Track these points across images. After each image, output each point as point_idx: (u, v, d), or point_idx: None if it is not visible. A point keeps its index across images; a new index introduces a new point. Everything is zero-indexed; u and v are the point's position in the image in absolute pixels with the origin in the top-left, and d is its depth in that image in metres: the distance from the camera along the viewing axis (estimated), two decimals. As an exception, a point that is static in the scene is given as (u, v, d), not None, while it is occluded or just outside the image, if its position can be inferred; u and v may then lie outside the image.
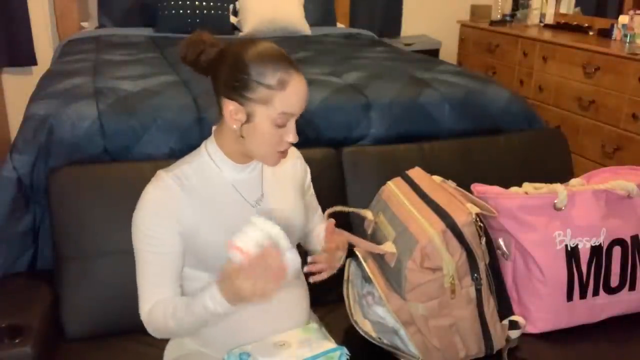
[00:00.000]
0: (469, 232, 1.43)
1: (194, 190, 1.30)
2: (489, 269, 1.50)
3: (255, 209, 1.34)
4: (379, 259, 1.52)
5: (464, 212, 1.45)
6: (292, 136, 1.27)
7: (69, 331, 1.57)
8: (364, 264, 1.50)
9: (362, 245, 1.51)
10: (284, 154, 1.30)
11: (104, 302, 1.58)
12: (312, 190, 1.55)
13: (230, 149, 1.31)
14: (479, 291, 1.45)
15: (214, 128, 1.35)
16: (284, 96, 1.21)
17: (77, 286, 1.57)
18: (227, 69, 1.24)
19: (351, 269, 1.58)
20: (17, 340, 1.37)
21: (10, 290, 1.64)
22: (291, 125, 1.26)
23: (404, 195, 1.57)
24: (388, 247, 1.48)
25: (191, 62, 1.31)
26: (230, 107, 1.24)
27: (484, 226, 1.50)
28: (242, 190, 1.34)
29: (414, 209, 1.51)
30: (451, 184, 1.62)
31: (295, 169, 1.47)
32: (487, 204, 1.55)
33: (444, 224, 1.43)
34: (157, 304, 1.28)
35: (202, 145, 1.35)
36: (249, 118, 1.23)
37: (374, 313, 1.50)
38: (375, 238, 1.58)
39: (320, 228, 1.46)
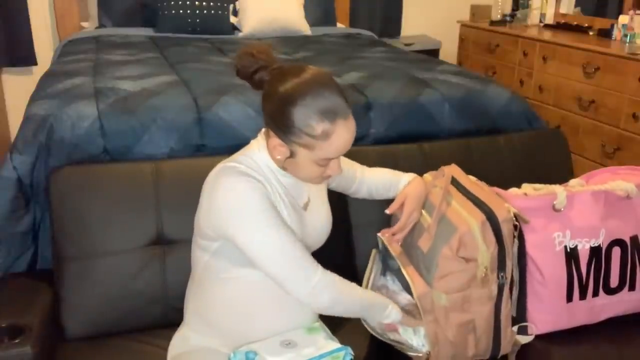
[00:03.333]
0: (506, 229, 1.44)
1: (264, 187, 1.29)
2: (515, 272, 1.51)
3: (306, 212, 1.38)
4: (407, 245, 1.52)
5: (503, 208, 1.46)
6: (335, 171, 1.29)
7: (69, 331, 1.57)
8: (389, 248, 1.50)
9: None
10: (326, 178, 1.34)
11: (104, 302, 1.58)
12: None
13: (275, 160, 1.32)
14: (500, 290, 1.45)
15: (263, 130, 1.34)
16: (327, 145, 1.22)
17: (77, 286, 1.57)
18: (273, 107, 1.23)
19: (374, 268, 1.58)
20: (17, 340, 1.37)
21: (10, 290, 1.64)
22: (334, 162, 1.28)
23: (441, 186, 1.57)
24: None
25: (245, 78, 1.31)
26: (274, 141, 1.26)
27: (520, 227, 1.50)
28: (293, 193, 1.36)
29: (452, 199, 1.51)
30: (485, 185, 1.62)
31: None
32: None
33: (484, 215, 1.43)
34: (333, 279, 1.28)
35: (255, 146, 1.34)
36: (291, 154, 1.25)
37: None
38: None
39: (372, 178, 1.56)
